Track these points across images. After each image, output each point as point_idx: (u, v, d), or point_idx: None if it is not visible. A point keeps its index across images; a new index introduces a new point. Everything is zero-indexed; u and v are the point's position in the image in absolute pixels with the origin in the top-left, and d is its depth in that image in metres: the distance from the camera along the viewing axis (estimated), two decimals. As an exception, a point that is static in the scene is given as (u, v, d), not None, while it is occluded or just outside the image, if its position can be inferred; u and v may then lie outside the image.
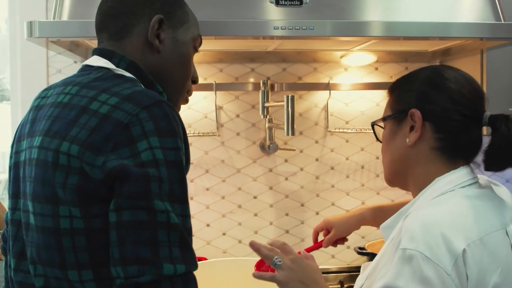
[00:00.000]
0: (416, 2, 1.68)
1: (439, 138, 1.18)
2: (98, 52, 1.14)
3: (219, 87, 2.10)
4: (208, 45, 1.83)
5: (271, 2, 1.56)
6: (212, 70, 2.14)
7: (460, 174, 1.18)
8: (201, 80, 2.11)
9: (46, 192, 0.98)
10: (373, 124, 1.32)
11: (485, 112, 1.19)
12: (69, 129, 0.98)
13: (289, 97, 1.75)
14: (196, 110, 2.13)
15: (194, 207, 2.12)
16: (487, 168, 1.18)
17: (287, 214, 2.20)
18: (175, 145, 0.97)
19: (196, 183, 2.15)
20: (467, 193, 1.15)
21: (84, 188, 0.95)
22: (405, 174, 1.24)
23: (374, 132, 1.32)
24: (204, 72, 2.13)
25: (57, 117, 1.02)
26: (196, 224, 2.07)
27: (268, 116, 2.08)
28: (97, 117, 0.97)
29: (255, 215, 2.19)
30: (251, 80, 2.15)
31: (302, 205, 2.21)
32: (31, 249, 1.02)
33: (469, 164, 1.21)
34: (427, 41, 1.79)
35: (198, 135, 2.09)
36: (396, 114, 1.24)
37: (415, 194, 1.22)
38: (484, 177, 1.26)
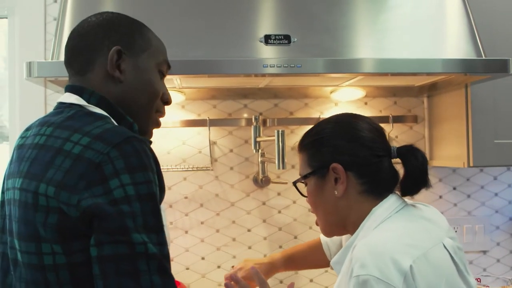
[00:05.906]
0: (402, 39, 1.74)
1: (363, 182, 1.30)
2: (69, 88, 1.17)
3: (212, 123, 2.15)
4: (202, 82, 1.89)
5: (261, 42, 1.63)
6: (205, 107, 2.20)
7: (392, 201, 1.29)
8: (195, 116, 2.17)
9: (29, 231, 1.02)
10: (295, 183, 1.41)
11: (392, 146, 1.32)
12: (46, 171, 1.02)
13: (280, 132, 1.80)
14: (190, 145, 2.18)
15: (188, 240, 2.14)
16: (404, 194, 1.32)
17: (280, 247, 2.23)
18: (147, 179, 1.00)
19: (191, 216, 2.18)
20: (404, 217, 1.27)
21: (64, 226, 0.99)
22: (341, 221, 1.34)
23: (298, 189, 1.41)
24: (198, 109, 2.19)
25: (35, 159, 1.05)
26: (190, 257, 2.10)
27: (260, 150, 2.12)
28: (71, 158, 1.00)
29: (249, 248, 2.22)
30: (244, 115, 2.21)
31: (295, 237, 2.24)
32: (20, 284, 1.06)
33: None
34: (414, 76, 1.85)
35: (193, 170, 2.12)
36: (318, 171, 1.33)
37: (353, 230, 1.31)
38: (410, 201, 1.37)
